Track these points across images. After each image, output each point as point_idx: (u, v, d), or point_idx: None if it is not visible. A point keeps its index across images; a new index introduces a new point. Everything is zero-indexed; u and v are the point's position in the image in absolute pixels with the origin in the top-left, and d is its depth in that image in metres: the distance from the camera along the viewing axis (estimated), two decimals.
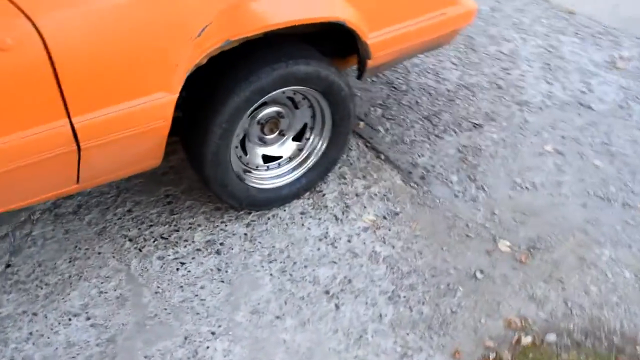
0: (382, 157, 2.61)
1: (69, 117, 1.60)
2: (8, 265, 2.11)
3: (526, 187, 2.46)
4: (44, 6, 1.47)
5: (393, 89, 3.06)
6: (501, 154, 2.64)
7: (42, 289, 2.02)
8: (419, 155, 2.62)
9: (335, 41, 2.15)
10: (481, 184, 2.46)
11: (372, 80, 3.13)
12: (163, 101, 1.72)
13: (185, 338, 1.86)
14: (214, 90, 1.87)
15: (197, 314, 1.93)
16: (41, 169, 1.69)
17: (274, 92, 1.94)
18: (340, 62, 2.37)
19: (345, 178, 2.48)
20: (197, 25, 1.67)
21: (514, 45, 3.48)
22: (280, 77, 1.88)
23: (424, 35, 2.26)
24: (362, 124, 2.81)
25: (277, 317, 1.92)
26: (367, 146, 2.67)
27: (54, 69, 1.51)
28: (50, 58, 1.49)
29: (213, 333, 1.87)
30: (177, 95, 1.74)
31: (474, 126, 2.81)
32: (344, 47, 2.18)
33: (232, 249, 2.15)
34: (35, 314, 1.93)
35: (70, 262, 2.11)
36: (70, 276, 2.06)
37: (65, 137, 1.63)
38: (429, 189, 2.44)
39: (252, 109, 1.97)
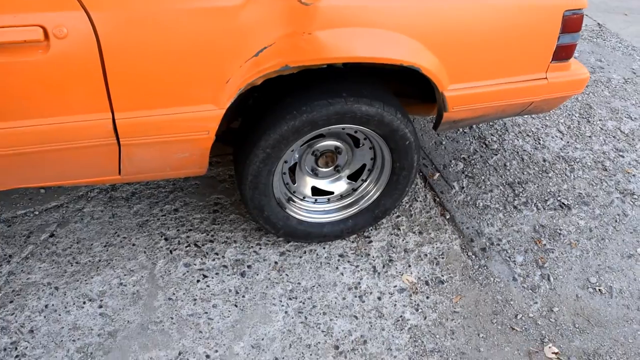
0: (447, 216, 2.40)
1: (112, 111, 1.62)
2: (52, 235, 2.19)
3: (600, 290, 2.13)
4: (104, 3, 1.48)
5: (483, 145, 2.83)
6: (583, 245, 2.32)
7: (72, 265, 2.07)
8: (488, 224, 2.38)
9: (419, 85, 2.01)
10: (548, 273, 2.18)
11: (464, 131, 2.92)
12: (208, 114, 1.68)
13: (180, 353, 1.80)
14: (265, 113, 1.80)
15: (200, 332, 1.87)
16: (84, 155, 1.73)
17: (329, 127, 1.83)
18: (422, 107, 2.21)
19: (399, 229, 2.30)
20: (256, 45, 1.62)
21: (638, 125, 3.09)
22: (337, 113, 1.77)
23: (514, 97, 2.03)
24: (437, 175, 2.61)
25: (276, 359, 1.81)
26: (435, 200, 2.48)
27: (103, 64, 1.52)
28: (100, 52, 1.51)
29: (207, 356, 1.80)
30: (224, 110, 1.69)
31: (561, 206, 2.50)
32: (427, 93, 2.03)
33: (258, 274, 2.07)
34: (57, 288, 1.98)
35: (105, 246, 2.15)
36: (100, 260, 2.09)
37: (105, 131, 1.64)
38: (486, 264, 2.19)
39: (306, 138, 1.88)
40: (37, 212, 2.30)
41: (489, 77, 1.94)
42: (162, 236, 2.19)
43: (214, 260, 2.11)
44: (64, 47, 1.49)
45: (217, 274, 2.06)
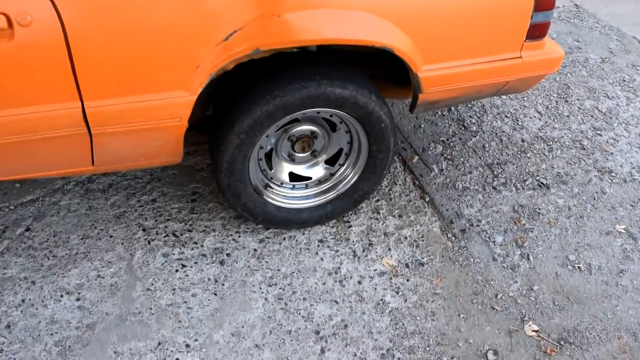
0: (427, 198, 2.40)
1: (81, 100, 1.59)
2: (27, 229, 2.16)
3: (579, 268, 2.15)
4: None
5: (462, 127, 2.83)
6: (562, 223, 2.33)
7: (48, 259, 2.04)
8: (467, 205, 2.38)
9: (394, 68, 1.99)
10: (528, 252, 2.19)
11: (442, 114, 2.92)
12: (180, 100, 1.66)
13: (159, 344, 1.79)
14: (238, 98, 1.78)
15: (179, 321, 1.86)
16: (54, 146, 1.70)
17: (303, 111, 1.81)
18: (398, 90, 2.20)
19: (378, 213, 2.30)
20: (226, 29, 1.59)
21: (615, 104, 3.10)
22: (310, 96, 1.75)
23: (489, 77, 2.03)
24: (416, 158, 2.61)
25: (257, 346, 1.80)
26: (414, 183, 2.48)
27: (69, 51, 1.50)
28: (66, 39, 1.48)
29: (187, 345, 1.79)
30: (196, 96, 1.67)
31: (540, 185, 2.51)
32: (402, 77, 2.02)
33: (237, 262, 2.06)
34: (33, 283, 1.96)
35: (82, 239, 2.12)
36: (77, 253, 2.06)
37: (75, 120, 1.61)
38: (466, 245, 2.20)
39: (281, 123, 1.86)
40: (12, 207, 2.26)
41: (463, 57, 1.93)
42: (139, 227, 2.17)
43: (192, 249, 2.10)
44: (29, 34, 1.46)
45: (195, 263, 2.05)
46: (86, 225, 2.18)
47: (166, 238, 2.13)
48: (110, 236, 2.13)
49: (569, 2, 4.36)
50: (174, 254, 2.07)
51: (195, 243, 2.12)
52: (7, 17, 1.44)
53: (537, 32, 2.02)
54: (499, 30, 1.96)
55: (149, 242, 2.11)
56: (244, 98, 1.76)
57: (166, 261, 2.04)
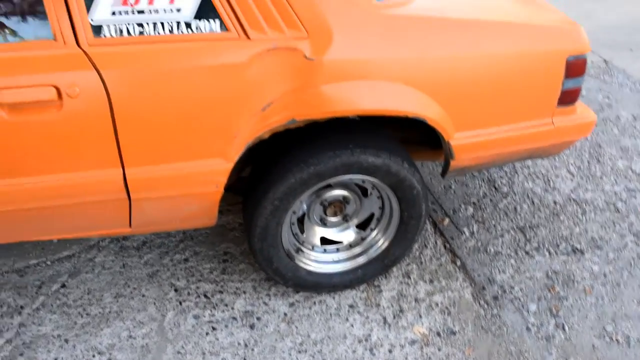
0: (458, 263, 2.38)
1: (122, 167, 1.64)
2: (63, 285, 2.20)
3: (617, 340, 2.08)
4: (115, 63, 1.52)
5: (493, 189, 2.82)
6: (598, 291, 2.28)
7: (82, 317, 2.07)
8: (499, 271, 2.35)
9: (425, 131, 2.02)
10: (563, 322, 2.13)
11: (473, 175, 2.91)
12: (217, 168, 1.71)
13: None
14: (273, 165, 1.82)
15: None
16: (95, 209, 1.75)
17: (336, 177, 1.84)
18: (429, 153, 2.22)
19: (409, 277, 2.28)
20: (263, 100, 1.65)
21: None
22: (343, 164, 1.78)
23: (521, 143, 2.04)
24: (447, 220, 2.60)
25: None
26: (445, 247, 2.46)
27: (114, 121, 1.56)
28: (111, 110, 1.54)
29: None
30: (232, 164, 1.71)
31: (574, 251, 2.47)
32: (434, 139, 2.04)
33: (267, 326, 2.05)
34: (67, 341, 1.98)
35: (115, 297, 2.15)
36: (110, 312, 2.09)
37: (116, 186, 1.67)
38: (498, 313, 2.16)
39: (314, 189, 1.89)
40: (49, 262, 2.31)
41: (494, 124, 1.95)
42: (172, 287, 2.19)
43: (223, 311, 2.10)
44: (77, 105, 1.53)
45: (226, 326, 2.05)
46: (120, 283, 2.21)
47: (197, 299, 2.14)
48: (143, 295, 2.16)
49: (598, 58, 4.37)
50: (204, 316, 2.08)
51: (226, 305, 2.12)
52: (57, 89, 1.52)
53: (568, 98, 2.04)
54: (531, 98, 1.98)
55: (180, 303, 2.13)
56: (278, 165, 1.80)
57: (197, 323, 2.05)
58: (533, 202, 2.74)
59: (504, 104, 1.92)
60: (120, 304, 2.12)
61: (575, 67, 1.96)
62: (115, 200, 1.71)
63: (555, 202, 2.75)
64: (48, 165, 1.62)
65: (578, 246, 2.49)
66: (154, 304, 2.12)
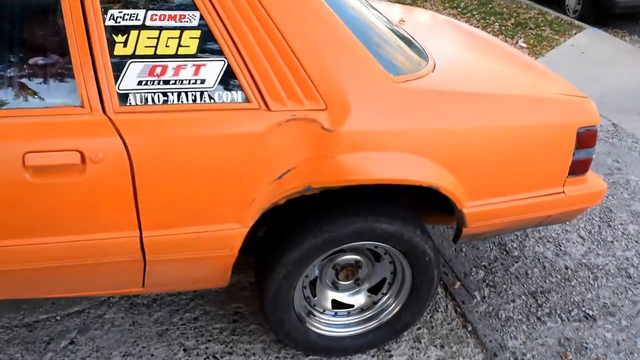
0: (470, 328, 2.36)
1: (140, 230, 1.67)
2: (72, 342, 2.19)
3: None
4: (138, 130, 1.57)
5: (504, 252, 2.82)
6: (611, 359, 2.25)
7: None
8: (511, 337, 2.32)
9: (438, 198, 2.04)
10: None
11: (484, 239, 2.92)
12: (232, 232, 1.73)
13: None
14: (288, 230, 1.84)
15: None
16: (110, 270, 1.77)
17: (350, 244, 1.86)
18: (442, 218, 2.24)
19: (420, 342, 2.26)
20: (280, 168, 1.68)
21: None
22: (356, 231, 1.80)
23: (532, 212, 2.06)
24: (458, 284, 2.59)
25: None
26: (456, 311, 2.45)
27: (134, 186, 1.60)
28: (132, 175, 1.58)
29: None
30: (247, 229, 1.73)
31: (586, 317, 2.45)
32: (446, 205, 2.06)
33: None
34: None
35: (124, 356, 2.14)
36: None
37: (133, 248, 1.69)
38: None
39: (328, 254, 1.90)
40: (58, 317, 2.31)
41: (507, 194, 1.98)
42: (181, 346, 2.18)
43: None
44: (99, 170, 1.57)
45: None
46: (129, 341, 2.20)
47: None
48: (152, 355, 2.15)
49: (607, 122, 4.43)
50: None
51: None
52: (81, 154, 1.56)
53: (579, 168, 2.07)
54: (542, 168, 2.01)
55: None
56: (293, 231, 1.82)
57: None
58: (544, 267, 2.74)
59: (516, 174, 1.95)
60: None
61: (586, 139, 2.00)
62: (131, 261, 1.73)
63: (566, 267, 2.74)
64: (67, 226, 1.65)
65: (590, 312, 2.47)
66: None
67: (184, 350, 2.17)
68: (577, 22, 6.69)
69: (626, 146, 4.06)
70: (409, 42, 2.10)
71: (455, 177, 1.83)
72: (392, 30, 2.10)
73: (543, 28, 6.56)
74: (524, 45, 5.93)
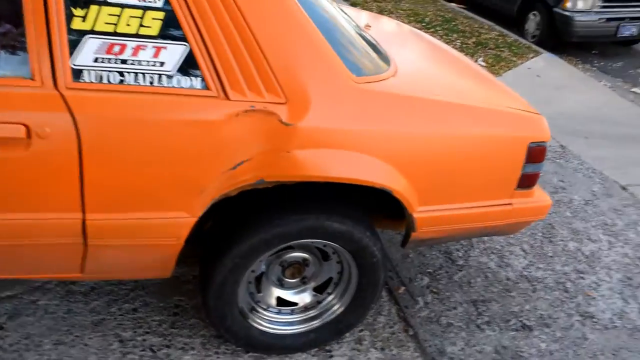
0: (411, 332, 2.38)
1: (83, 212, 1.61)
2: (1, 328, 2.08)
3: None
4: (90, 108, 1.52)
5: (449, 261, 2.87)
6: None
7: None
8: (450, 343, 2.36)
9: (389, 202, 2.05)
10: None
11: (431, 245, 2.96)
12: (180, 221, 1.69)
13: None
14: (237, 222, 1.81)
15: None
16: (47, 252, 1.70)
17: (299, 240, 1.84)
18: (390, 222, 2.26)
19: (361, 344, 2.27)
20: (234, 159, 1.65)
21: (598, 247, 3.18)
22: (308, 228, 1.79)
23: (480, 221, 2.10)
24: (402, 289, 2.62)
25: None
26: (399, 315, 2.47)
27: (81, 165, 1.54)
28: (80, 154, 1.52)
29: None
30: (196, 219, 1.70)
31: (523, 327, 2.51)
32: (396, 210, 2.07)
33: None
34: None
35: (54, 344, 2.05)
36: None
37: (73, 230, 1.62)
38: None
39: (275, 250, 1.88)
40: None
41: (457, 201, 2.01)
42: (117, 337, 2.11)
43: None
44: (45, 146, 1.51)
45: None
46: (62, 329, 2.12)
47: (142, 352, 2.07)
48: (85, 344, 2.07)
49: (556, 143, 4.58)
50: None
51: None
52: (27, 128, 1.49)
53: (527, 181, 2.12)
54: (492, 179, 2.06)
55: (124, 355, 2.04)
56: (243, 223, 1.79)
57: None
58: (487, 277, 2.80)
59: (466, 183, 1.99)
60: (59, 352, 2.03)
61: (536, 154, 2.06)
62: (71, 244, 1.66)
63: (507, 278, 2.81)
64: (6, 202, 1.57)
65: (527, 322, 2.54)
66: (96, 354, 2.04)
67: (120, 341, 2.10)
68: (534, 47, 6.89)
69: (572, 167, 4.21)
70: (373, 46, 2.11)
71: (407, 180, 1.85)
72: (358, 33, 2.10)
73: (502, 49, 6.73)
74: (483, 64, 6.07)
